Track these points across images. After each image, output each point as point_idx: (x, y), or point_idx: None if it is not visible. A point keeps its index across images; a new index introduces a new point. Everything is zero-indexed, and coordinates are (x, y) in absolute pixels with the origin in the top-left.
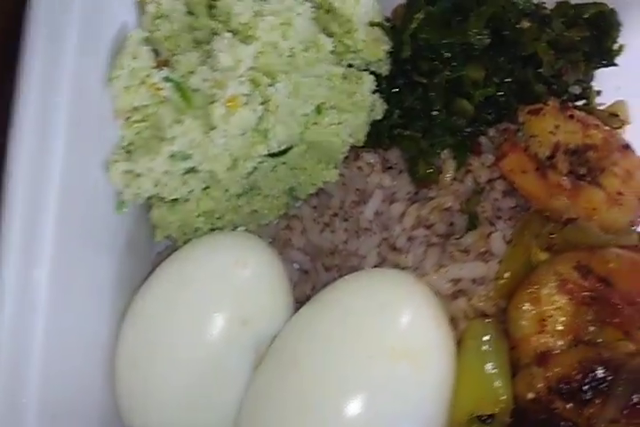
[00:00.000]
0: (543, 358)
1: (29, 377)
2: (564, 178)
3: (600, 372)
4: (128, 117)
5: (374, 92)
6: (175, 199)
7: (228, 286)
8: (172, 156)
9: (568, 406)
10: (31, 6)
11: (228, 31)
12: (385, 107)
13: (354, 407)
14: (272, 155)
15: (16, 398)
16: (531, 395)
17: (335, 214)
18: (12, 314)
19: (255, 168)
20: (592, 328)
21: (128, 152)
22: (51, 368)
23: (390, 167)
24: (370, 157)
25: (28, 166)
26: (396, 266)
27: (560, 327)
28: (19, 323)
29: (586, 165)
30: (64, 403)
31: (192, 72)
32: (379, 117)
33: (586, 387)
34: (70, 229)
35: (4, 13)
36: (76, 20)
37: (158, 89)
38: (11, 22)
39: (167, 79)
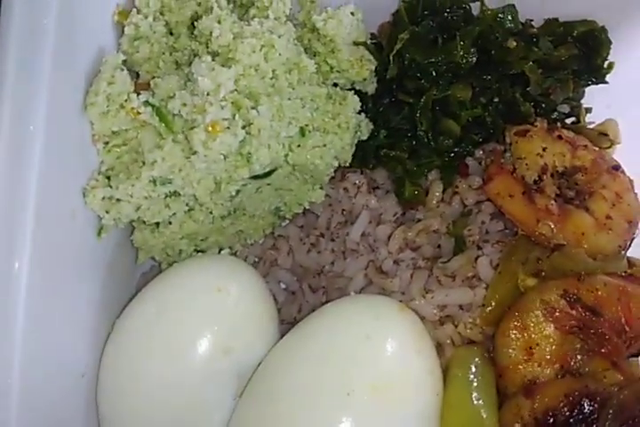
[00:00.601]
0: (530, 388)
1: (8, 408)
2: (552, 202)
3: (587, 405)
4: (107, 142)
5: (360, 112)
6: (158, 222)
7: (211, 313)
8: (153, 181)
9: None
10: (2, 30)
11: (209, 53)
12: (371, 127)
13: None
14: (256, 177)
15: None
16: (517, 426)
17: (321, 235)
18: None
19: (239, 191)
20: (579, 357)
21: (107, 177)
22: (30, 398)
23: (377, 187)
24: (356, 178)
25: (1, 196)
26: (383, 290)
27: (547, 356)
28: None
29: (574, 187)
30: None
31: (172, 96)
32: (364, 138)
33: (572, 420)
34: (48, 256)
35: None
36: (50, 44)
37: (137, 113)
38: None
39: (146, 103)
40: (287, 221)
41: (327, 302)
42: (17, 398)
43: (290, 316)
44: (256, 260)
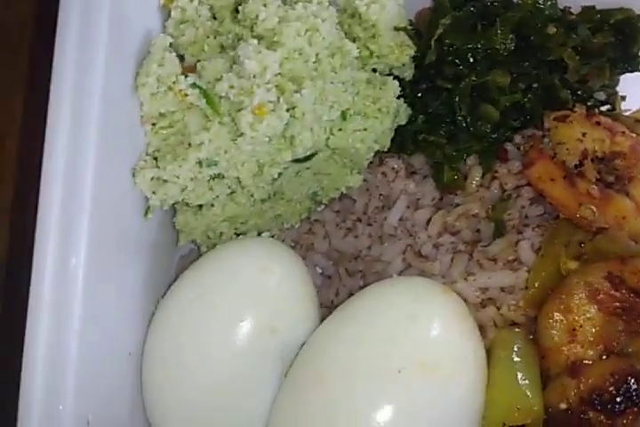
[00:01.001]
0: (575, 368)
1: (66, 384)
2: (594, 186)
3: (633, 383)
4: (154, 124)
5: (398, 97)
6: (200, 205)
7: (255, 293)
8: (199, 162)
9: (600, 416)
10: (62, 19)
11: (253, 37)
12: (409, 112)
13: (383, 421)
14: (297, 160)
15: (54, 405)
16: (563, 405)
17: (358, 219)
18: (49, 325)
19: (280, 174)
20: (623, 338)
21: (155, 158)
22: (85, 375)
23: (414, 173)
24: (394, 163)
25: (62, 174)
26: (423, 273)
27: (590, 338)
28: (56, 333)
29: (614, 173)
30: (97, 408)
31: (218, 79)
32: (403, 123)
33: (618, 398)
34: (103, 236)
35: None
36: (105, 28)
37: (185, 95)
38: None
39: (194, 86)
40: (323, 206)
41: (365, 285)
42: (74, 375)
43: (327, 300)
44: (292, 244)
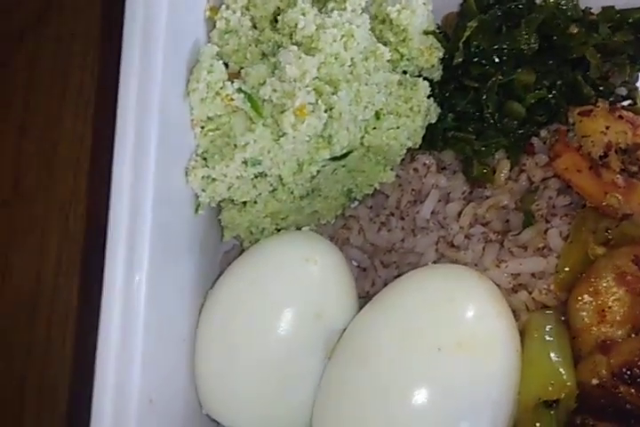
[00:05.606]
0: (605, 346)
1: (133, 367)
2: (618, 176)
3: None
4: (203, 127)
5: (428, 97)
6: (244, 202)
7: (300, 281)
8: (245, 162)
9: (631, 390)
10: (126, 34)
11: (293, 44)
12: (439, 111)
13: (424, 399)
14: (334, 158)
15: (123, 385)
16: (595, 381)
17: (391, 214)
18: (120, 312)
19: (318, 171)
20: None
21: (204, 159)
22: (149, 360)
23: (445, 168)
24: (425, 159)
25: (129, 173)
26: (456, 262)
27: (619, 317)
28: (125, 320)
29: (637, 163)
30: (159, 389)
31: (262, 83)
32: (433, 121)
33: None
34: (162, 233)
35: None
36: (162, 41)
37: (231, 100)
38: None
39: (239, 90)
40: (357, 203)
41: (399, 275)
42: (140, 361)
43: (363, 290)
44: (329, 239)
